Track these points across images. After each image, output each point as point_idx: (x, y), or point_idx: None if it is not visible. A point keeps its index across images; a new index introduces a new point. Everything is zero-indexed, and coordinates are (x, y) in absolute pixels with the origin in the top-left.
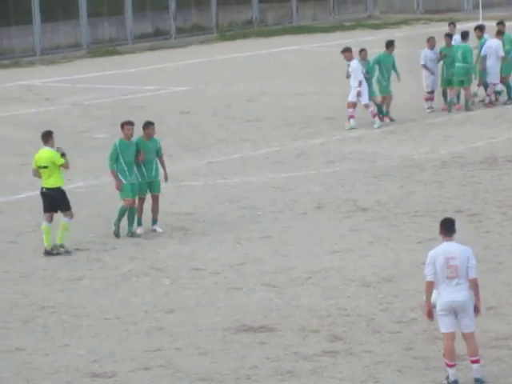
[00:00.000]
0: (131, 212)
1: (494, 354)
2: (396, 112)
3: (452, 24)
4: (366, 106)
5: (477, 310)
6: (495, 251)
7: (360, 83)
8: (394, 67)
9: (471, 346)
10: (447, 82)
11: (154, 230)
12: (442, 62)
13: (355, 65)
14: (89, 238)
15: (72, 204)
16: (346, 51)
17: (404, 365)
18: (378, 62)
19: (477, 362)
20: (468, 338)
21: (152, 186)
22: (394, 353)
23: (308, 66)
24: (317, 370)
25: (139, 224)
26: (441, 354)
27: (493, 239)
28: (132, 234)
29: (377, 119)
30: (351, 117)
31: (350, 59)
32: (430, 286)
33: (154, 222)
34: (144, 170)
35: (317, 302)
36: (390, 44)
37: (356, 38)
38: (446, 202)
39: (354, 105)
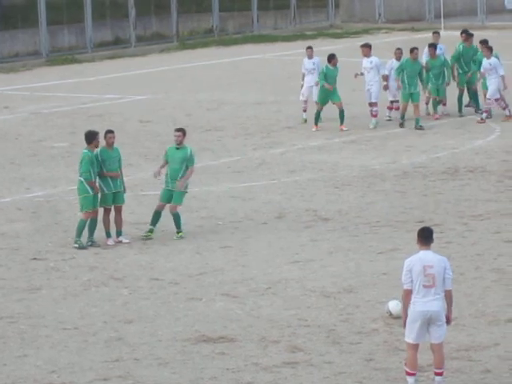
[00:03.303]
0: (93, 221)
1: (454, 365)
2: (356, 122)
3: (436, 33)
4: (373, 105)
5: (448, 320)
6: (456, 262)
7: (386, 78)
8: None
9: (438, 358)
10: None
11: (120, 242)
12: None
13: (377, 61)
14: (47, 248)
15: (30, 213)
16: (365, 47)
17: (364, 376)
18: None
19: (440, 374)
20: (436, 349)
21: (116, 197)
22: (354, 364)
23: (269, 75)
24: (277, 381)
25: (108, 236)
26: (401, 366)
27: (454, 250)
28: (92, 243)
29: (373, 119)
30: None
31: (368, 55)
32: (408, 294)
33: (119, 233)
34: (110, 181)
35: (277, 312)
36: (331, 58)
37: (317, 47)
38: (408, 212)
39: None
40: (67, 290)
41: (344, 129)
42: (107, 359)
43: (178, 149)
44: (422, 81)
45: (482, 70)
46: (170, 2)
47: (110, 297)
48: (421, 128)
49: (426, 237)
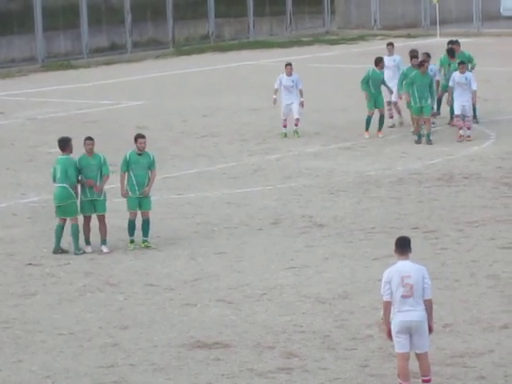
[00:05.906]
0: (60, 228)
1: (449, 371)
2: (352, 127)
3: (390, 45)
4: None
5: (430, 329)
6: (451, 268)
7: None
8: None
9: (423, 366)
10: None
11: (101, 251)
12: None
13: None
14: (43, 253)
15: (26, 219)
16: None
17: (359, 382)
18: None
19: (428, 381)
20: (421, 358)
21: (96, 206)
22: (349, 370)
23: (264, 81)
24: None
25: (87, 243)
26: (396, 372)
27: (449, 256)
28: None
29: (390, 120)
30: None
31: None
32: (388, 306)
33: (102, 242)
34: (86, 189)
35: (272, 318)
36: (379, 61)
37: (313, 54)
38: (403, 218)
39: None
40: (62, 295)
41: (380, 135)
42: (102, 365)
43: (140, 155)
44: (431, 94)
45: (451, 84)
46: (166, 8)
47: (105, 302)
48: (430, 142)
49: (403, 246)
